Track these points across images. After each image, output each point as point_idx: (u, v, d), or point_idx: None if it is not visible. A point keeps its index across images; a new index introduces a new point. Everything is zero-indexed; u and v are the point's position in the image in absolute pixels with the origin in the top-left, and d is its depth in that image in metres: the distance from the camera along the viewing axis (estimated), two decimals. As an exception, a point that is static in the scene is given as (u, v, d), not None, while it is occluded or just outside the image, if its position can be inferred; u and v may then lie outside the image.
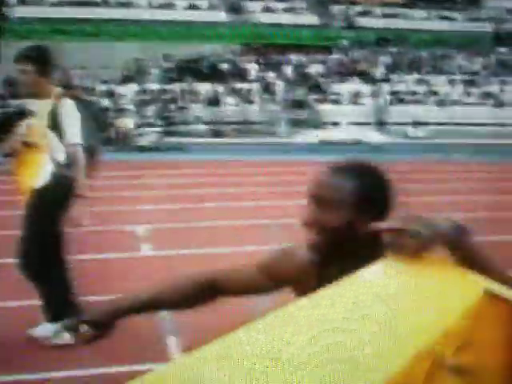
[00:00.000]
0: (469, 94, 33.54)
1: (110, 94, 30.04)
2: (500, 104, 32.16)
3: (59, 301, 6.43)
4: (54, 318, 6.39)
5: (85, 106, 6.46)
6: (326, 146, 25.77)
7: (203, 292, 2.40)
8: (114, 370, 5.74)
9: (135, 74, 32.21)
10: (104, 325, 2.34)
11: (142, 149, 24.40)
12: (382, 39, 37.90)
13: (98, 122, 6.82)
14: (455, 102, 32.28)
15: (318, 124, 29.66)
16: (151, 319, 7.07)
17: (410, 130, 29.32)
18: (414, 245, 1.46)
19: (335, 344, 0.99)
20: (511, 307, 1.29)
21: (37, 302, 6.43)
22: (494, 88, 33.83)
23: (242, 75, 33.10)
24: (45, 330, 6.39)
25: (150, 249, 10.06)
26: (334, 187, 1.93)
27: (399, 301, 1.28)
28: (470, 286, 1.37)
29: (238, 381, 0.85)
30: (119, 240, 10.42)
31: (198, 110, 29.77)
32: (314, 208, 1.95)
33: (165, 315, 7.21)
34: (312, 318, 1.11)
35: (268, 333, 1.02)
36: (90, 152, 6.44)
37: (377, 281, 1.40)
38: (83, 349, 6.09)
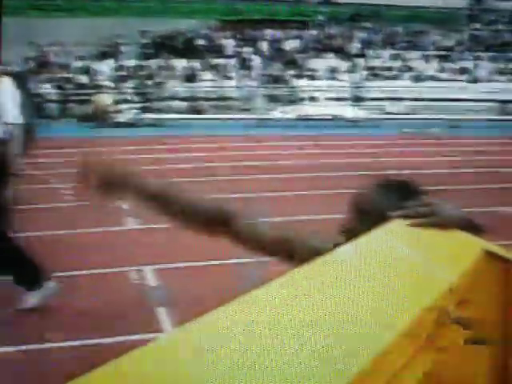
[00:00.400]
0: (443, 70, 33.68)
1: (87, 71, 29.84)
2: (474, 80, 32.30)
3: (24, 270, 6.51)
4: (29, 286, 6.49)
5: (21, 84, 6.40)
6: (303, 121, 25.83)
7: (218, 223, 2.45)
8: (103, 341, 5.87)
9: (112, 50, 31.98)
10: (110, 183, 2.36)
11: (120, 125, 24.31)
12: (358, 15, 37.88)
13: (32, 100, 6.74)
14: (430, 78, 32.39)
15: (295, 99, 29.63)
16: (141, 290, 7.23)
17: (388, 106, 29.40)
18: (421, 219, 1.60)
19: (338, 305, 1.02)
20: (508, 265, 1.38)
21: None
22: (469, 64, 33.96)
23: (218, 51, 32.99)
24: (29, 299, 6.51)
25: (135, 222, 10.15)
26: (373, 201, 2.11)
27: (402, 261, 1.33)
28: (469, 246, 1.47)
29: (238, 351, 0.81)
30: (103, 214, 10.49)
31: (174, 86, 29.65)
32: (354, 218, 2.14)
33: (155, 286, 7.36)
34: (315, 282, 1.14)
35: (267, 300, 1.02)
36: (28, 130, 6.43)
37: (379, 243, 1.47)
38: (73, 320, 6.23)
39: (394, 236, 1.56)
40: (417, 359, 1.06)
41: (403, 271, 1.28)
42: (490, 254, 1.41)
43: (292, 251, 2.32)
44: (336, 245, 2.04)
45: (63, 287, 6.94)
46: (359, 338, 0.92)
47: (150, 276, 7.61)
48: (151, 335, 5.63)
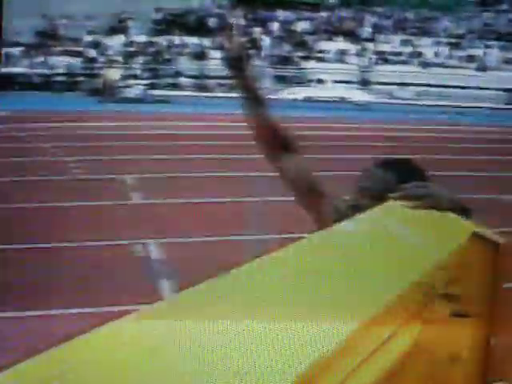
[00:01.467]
0: (452, 57, 33.58)
1: (97, 45, 29.81)
2: (483, 68, 32.21)
3: None
4: None
5: None
6: (310, 102, 25.80)
7: (277, 147, 2.60)
8: (105, 310, 5.97)
9: (122, 26, 31.92)
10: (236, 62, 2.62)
11: (128, 100, 24.31)
12: (369, -2, 37.75)
13: None
14: (439, 64, 32.31)
15: (303, 81, 29.58)
16: (144, 262, 7.34)
17: (395, 90, 29.32)
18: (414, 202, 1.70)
19: (328, 280, 1.05)
20: (495, 247, 1.44)
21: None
22: (478, 51, 33.85)
23: (229, 30, 32.88)
24: None
25: (140, 197, 10.25)
26: (376, 179, 2.24)
27: (395, 239, 1.39)
28: (460, 228, 1.54)
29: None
30: (111, 188, 10.57)
31: (184, 63, 29.63)
32: (357, 194, 2.27)
33: (160, 258, 7.46)
34: (311, 259, 1.17)
35: (257, 274, 1.03)
36: None
37: (375, 223, 1.54)
38: (76, 289, 6.34)
39: (390, 216, 1.63)
40: (405, 329, 1.11)
41: (396, 249, 1.33)
42: (479, 236, 1.47)
43: (320, 204, 2.51)
44: (351, 209, 2.19)
45: (68, 258, 7.08)
46: (350, 307, 0.96)
47: (153, 249, 7.71)
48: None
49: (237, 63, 2.62)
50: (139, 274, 6.92)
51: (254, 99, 2.65)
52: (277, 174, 2.58)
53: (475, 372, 1.49)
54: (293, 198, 2.56)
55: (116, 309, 5.91)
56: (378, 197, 1.94)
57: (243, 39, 2.73)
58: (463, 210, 1.74)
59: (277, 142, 2.62)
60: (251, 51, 28.40)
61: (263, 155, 2.62)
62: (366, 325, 0.93)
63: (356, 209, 2.14)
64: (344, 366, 0.87)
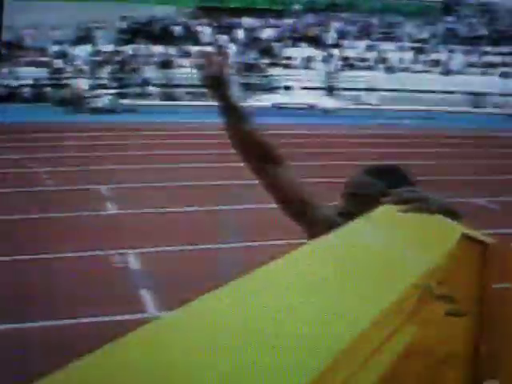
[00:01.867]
0: (417, 61, 33.91)
1: (64, 55, 29.69)
2: (447, 72, 32.56)
3: None
4: None
5: None
6: (278, 109, 25.88)
7: (263, 161, 2.61)
8: (84, 321, 6.00)
9: (88, 35, 31.82)
10: (213, 81, 2.67)
11: (97, 110, 24.24)
12: (334, 5, 37.97)
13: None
14: (404, 69, 32.61)
15: (269, 88, 29.66)
16: (125, 272, 7.38)
17: (364, 96, 29.52)
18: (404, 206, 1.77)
19: (323, 290, 1.03)
20: (485, 248, 1.48)
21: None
22: (442, 56, 34.20)
23: (194, 38, 32.92)
24: None
25: (116, 207, 10.26)
26: (364, 185, 2.32)
27: (388, 244, 1.40)
28: (450, 230, 1.58)
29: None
30: (84, 199, 10.57)
31: (150, 72, 29.61)
32: (346, 201, 2.34)
33: (138, 268, 7.50)
34: (303, 267, 1.16)
35: (254, 286, 1.02)
36: None
37: (367, 228, 1.55)
38: (56, 302, 6.35)
39: (382, 221, 1.67)
40: (400, 332, 1.10)
41: (389, 253, 1.35)
42: (468, 238, 1.51)
43: (309, 214, 2.54)
44: (340, 216, 2.25)
45: (43, 269, 7.10)
46: (348, 311, 0.96)
47: (132, 259, 7.74)
48: (133, 316, 5.81)
49: (215, 82, 2.66)
50: (118, 285, 6.95)
51: (232, 111, 2.67)
52: (257, 182, 2.59)
53: (469, 371, 1.50)
54: (269, 206, 2.59)
55: (96, 319, 5.95)
56: (367, 203, 1.95)
57: (221, 57, 2.74)
58: (452, 213, 1.83)
59: (260, 153, 2.64)
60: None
61: (246, 166, 2.62)
62: (367, 328, 0.93)
63: (345, 216, 2.22)
64: (344, 370, 0.86)
